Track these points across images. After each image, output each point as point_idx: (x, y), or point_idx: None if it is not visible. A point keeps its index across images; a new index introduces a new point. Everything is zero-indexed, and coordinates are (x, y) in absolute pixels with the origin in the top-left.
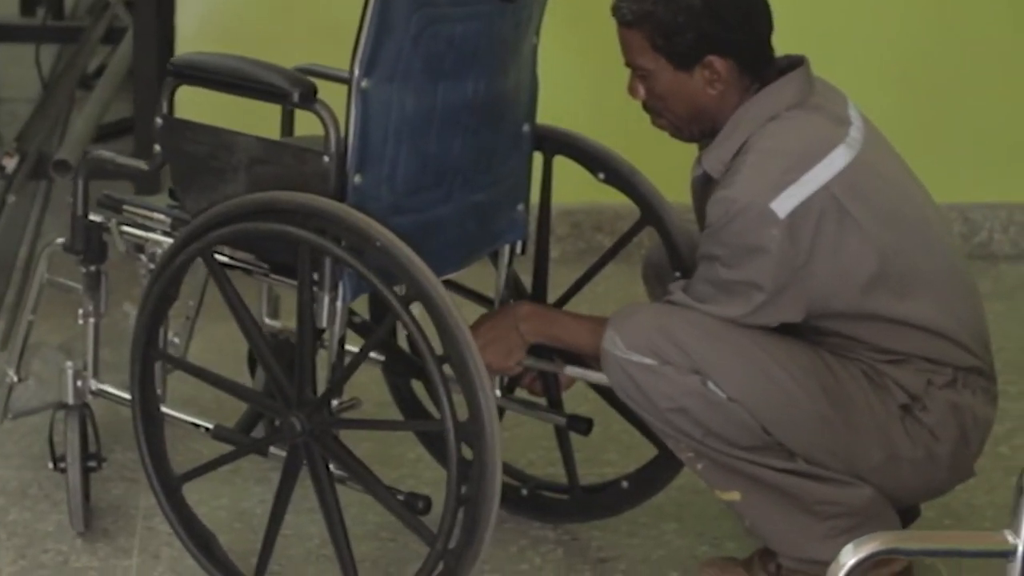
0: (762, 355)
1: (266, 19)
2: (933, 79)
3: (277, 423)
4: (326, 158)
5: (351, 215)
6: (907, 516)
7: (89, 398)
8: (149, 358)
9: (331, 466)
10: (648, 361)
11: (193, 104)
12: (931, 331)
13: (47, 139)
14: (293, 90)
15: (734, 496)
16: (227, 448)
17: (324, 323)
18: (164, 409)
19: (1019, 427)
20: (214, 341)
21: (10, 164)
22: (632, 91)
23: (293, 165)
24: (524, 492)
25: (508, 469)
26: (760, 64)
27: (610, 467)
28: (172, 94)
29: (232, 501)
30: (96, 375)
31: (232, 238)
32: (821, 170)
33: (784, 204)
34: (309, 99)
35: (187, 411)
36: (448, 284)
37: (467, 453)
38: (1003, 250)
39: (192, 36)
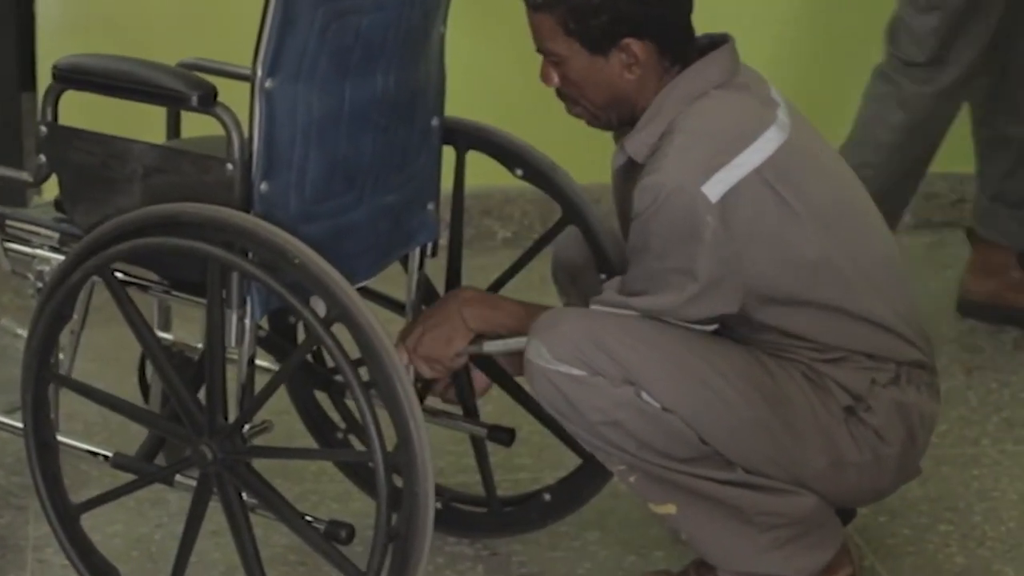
0: (697, 361)
1: (138, 6)
2: (832, 41)
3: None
4: (230, 166)
5: (266, 230)
6: (843, 516)
7: None
8: (43, 384)
9: (244, 495)
10: (577, 372)
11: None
12: (872, 323)
13: None
14: (191, 93)
15: (669, 509)
16: (118, 473)
17: (233, 342)
18: (60, 438)
19: (942, 410)
20: (98, 350)
21: None
22: (545, 78)
23: (193, 174)
24: (439, 506)
25: None
26: (680, 45)
27: (524, 472)
28: (57, 100)
29: (127, 527)
30: None
31: (132, 254)
32: (752, 153)
33: (715, 188)
34: (209, 102)
35: (74, 428)
36: (360, 290)
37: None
38: (904, 221)
39: (54, 28)
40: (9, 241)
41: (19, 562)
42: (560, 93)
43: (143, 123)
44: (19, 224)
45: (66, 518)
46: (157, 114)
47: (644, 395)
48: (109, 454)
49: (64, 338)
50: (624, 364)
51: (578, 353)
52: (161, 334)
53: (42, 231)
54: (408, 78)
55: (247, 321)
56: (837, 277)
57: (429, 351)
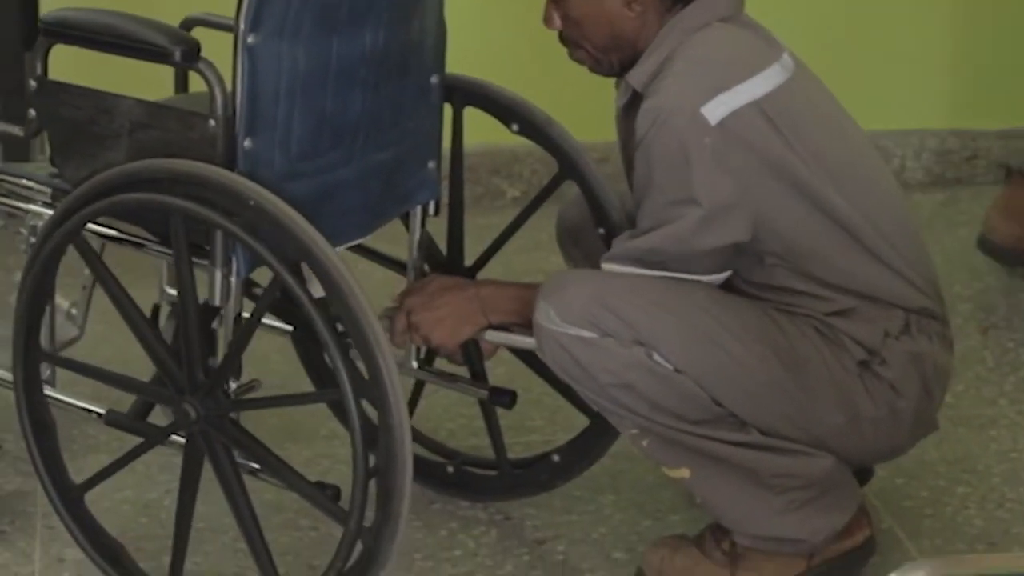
0: (708, 320)
1: None
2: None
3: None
4: (212, 122)
5: (220, 174)
6: (860, 476)
7: None
8: (32, 360)
9: (235, 454)
10: (587, 334)
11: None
12: (879, 263)
13: None
14: (174, 48)
15: (683, 473)
16: (126, 437)
17: (218, 300)
18: (51, 393)
19: (958, 370)
20: (110, 311)
21: None
22: (547, 20)
23: (178, 130)
24: (450, 469)
25: (432, 445)
26: None
27: (536, 434)
28: (46, 54)
29: (136, 493)
30: None
31: (108, 211)
32: (753, 85)
33: (715, 111)
34: (192, 58)
35: (82, 392)
36: (359, 249)
37: None
38: (916, 178)
39: None
40: (4, 196)
41: (28, 529)
42: (562, 37)
43: (156, 79)
44: (11, 179)
45: (68, 499)
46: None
47: (655, 356)
48: (102, 411)
49: (78, 295)
50: (634, 325)
51: (587, 315)
52: (169, 290)
53: (35, 186)
54: (400, 34)
55: (232, 280)
56: (842, 216)
57: (431, 335)
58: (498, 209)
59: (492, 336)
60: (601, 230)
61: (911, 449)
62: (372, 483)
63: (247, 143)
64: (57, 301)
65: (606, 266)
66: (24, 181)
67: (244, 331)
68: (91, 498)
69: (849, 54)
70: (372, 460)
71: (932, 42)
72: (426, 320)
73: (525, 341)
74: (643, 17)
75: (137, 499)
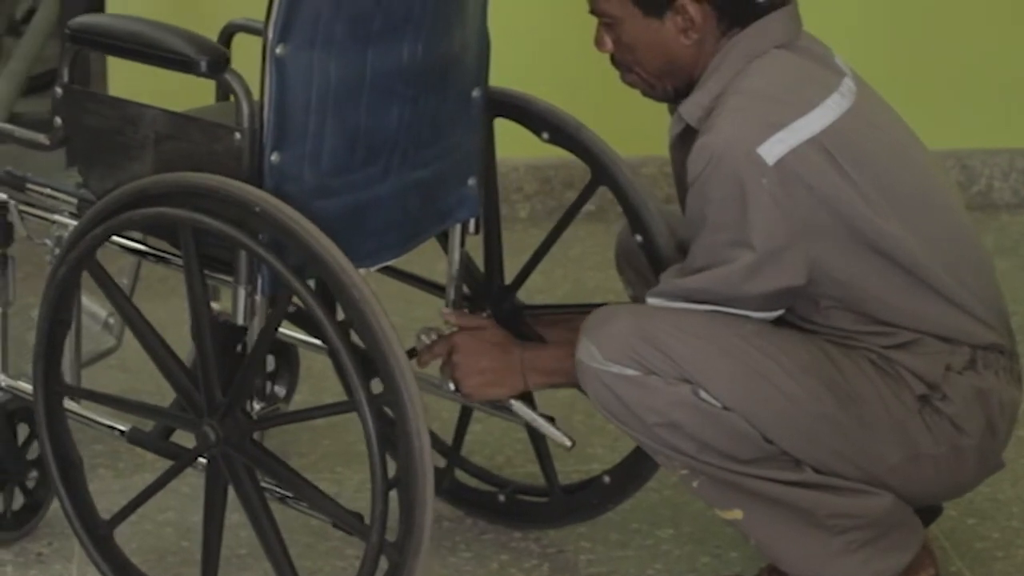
0: (758, 354)
1: None
2: (924, 14)
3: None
4: (238, 135)
5: (226, 184)
6: (927, 515)
7: None
8: (53, 389)
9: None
10: (630, 372)
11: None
12: (944, 300)
13: None
14: (200, 58)
15: (736, 515)
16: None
17: (241, 319)
18: (74, 408)
19: None
20: (155, 321)
21: None
22: (598, 43)
23: (203, 142)
24: (501, 498)
25: (483, 474)
26: (739, 7)
27: (596, 463)
28: (73, 60)
29: (179, 515)
30: (5, 370)
31: (121, 229)
32: (812, 119)
33: (772, 150)
34: (219, 68)
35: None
36: (392, 271)
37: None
38: (1004, 199)
39: None
40: (31, 205)
41: (66, 552)
42: (614, 60)
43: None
44: (38, 188)
45: (97, 536)
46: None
47: (702, 393)
48: (125, 429)
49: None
50: (680, 361)
51: (630, 352)
52: (215, 306)
53: (61, 196)
54: (441, 47)
55: (257, 297)
56: (903, 251)
57: (465, 381)
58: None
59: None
60: (638, 237)
61: (976, 488)
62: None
63: (274, 157)
64: (95, 310)
65: (652, 301)
66: (50, 191)
67: (256, 349)
68: (133, 519)
69: (935, 71)
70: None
71: (1022, 59)
72: (465, 365)
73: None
74: (699, 44)
75: (180, 522)
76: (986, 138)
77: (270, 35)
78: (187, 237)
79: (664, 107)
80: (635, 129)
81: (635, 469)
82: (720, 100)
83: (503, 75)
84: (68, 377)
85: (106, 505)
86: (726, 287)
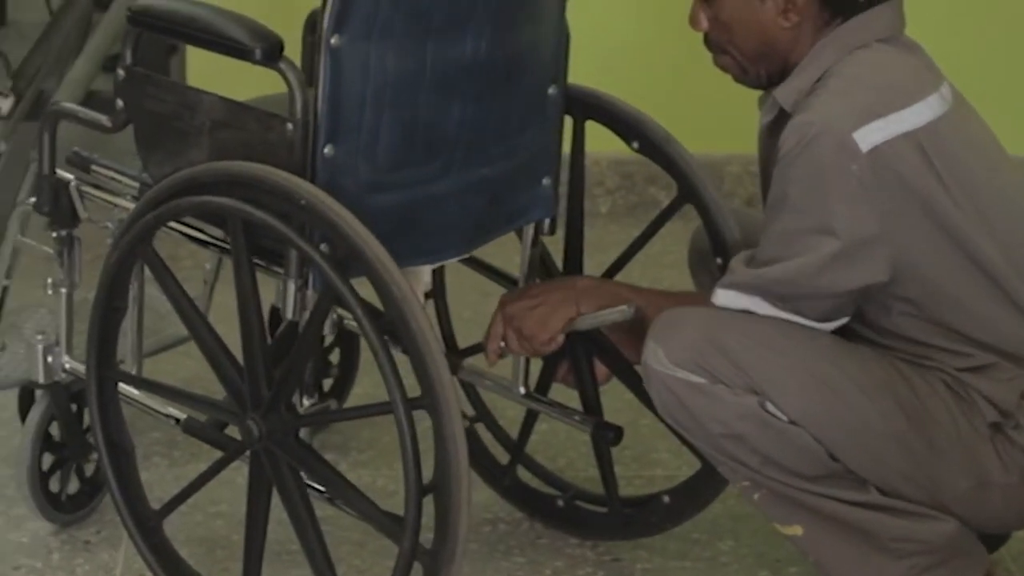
0: (829, 368)
1: None
2: (1013, 17)
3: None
4: (290, 125)
5: (273, 173)
6: (993, 542)
7: (62, 376)
8: (106, 374)
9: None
10: (696, 379)
11: None
12: (1022, 311)
13: (49, 74)
14: (255, 46)
15: (796, 531)
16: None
17: (291, 314)
18: (129, 391)
19: None
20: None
21: (4, 105)
22: (694, 21)
23: (257, 131)
24: (560, 503)
25: (545, 474)
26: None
27: (660, 467)
28: (136, 42)
29: (232, 507)
30: (70, 351)
31: (171, 217)
32: (911, 114)
33: (868, 137)
34: (273, 56)
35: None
36: (469, 260)
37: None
38: None
39: None
40: (99, 187)
41: (114, 540)
42: (707, 41)
43: None
44: (103, 171)
45: (145, 528)
46: None
47: (769, 406)
48: (180, 417)
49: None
50: (748, 371)
51: (698, 358)
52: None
53: (123, 179)
54: (508, 42)
55: (308, 292)
56: (986, 257)
57: (523, 325)
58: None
59: (582, 322)
60: (719, 260)
61: None
62: None
63: (327, 150)
64: None
65: (723, 292)
66: (113, 174)
67: (301, 345)
68: (184, 510)
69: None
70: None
71: None
72: (520, 314)
73: (614, 312)
74: (798, 29)
75: (232, 514)
76: None
77: (325, 25)
78: (236, 227)
79: (751, 102)
80: (721, 126)
81: (696, 491)
82: (819, 84)
83: (584, 70)
84: (130, 363)
85: (159, 495)
86: (805, 279)
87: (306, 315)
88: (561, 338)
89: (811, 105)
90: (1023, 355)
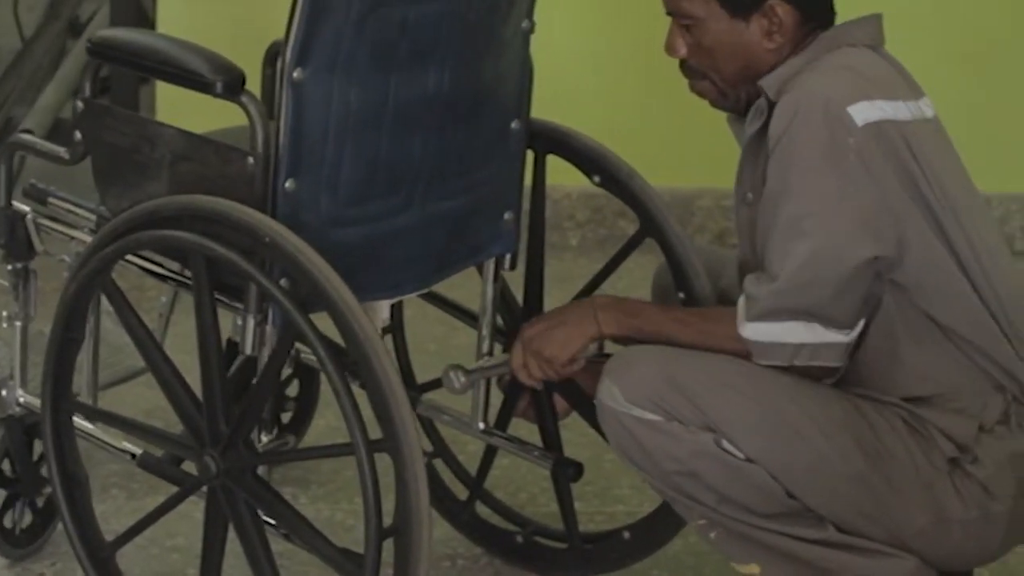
0: (787, 405)
1: None
2: (998, 58)
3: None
4: (251, 159)
5: (236, 209)
6: None
7: (16, 410)
8: (61, 406)
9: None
10: (651, 416)
11: None
12: (996, 320)
13: (20, 101)
14: (216, 79)
15: (753, 570)
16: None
17: (249, 349)
18: (85, 427)
19: None
20: (190, 339)
21: None
22: (671, 48)
23: (217, 165)
24: (519, 539)
25: (504, 510)
26: (823, 13)
27: (622, 504)
28: (96, 75)
29: (188, 541)
30: (24, 385)
31: (130, 250)
32: (899, 108)
33: (863, 112)
34: (235, 89)
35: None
36: (430, 297)
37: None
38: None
39: None
40: (53, 219)
41: (67, 573)
42: (684, 66)
43: None
44: (60, 203)
45: (98, 559)
46: None
47: (725, 443)
48: (137, 452)
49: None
50: (704, 408)
51: (653, 395)
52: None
53: (81, 212)
54: (470, 76)
55: (268, 328)
56: (964, 259)
57: (543, 348)
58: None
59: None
60: (681, 295)
61: (1004, 556)
62: None
63: (289, 184)
64: None
65: (752, 327)
66: (70, 206)
67: (261, 381)
68: (140, 543)
69: (1003, 112)
70: None
71: None
72: (539, 336)
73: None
74: (779, 50)
75: (189, 548)
76: None
77: (288, 58)
78: (198, 263)
79: (722, 136)
80: (692, 160)
81: (656, 527)
82: (806, 68)
83: (552, 105)
84: (85, 395)
85: (116, 527)
86: (821, 262)
87: (265, 351)
88: (583, 360)
89: (800, 84)
90: (990, 360)
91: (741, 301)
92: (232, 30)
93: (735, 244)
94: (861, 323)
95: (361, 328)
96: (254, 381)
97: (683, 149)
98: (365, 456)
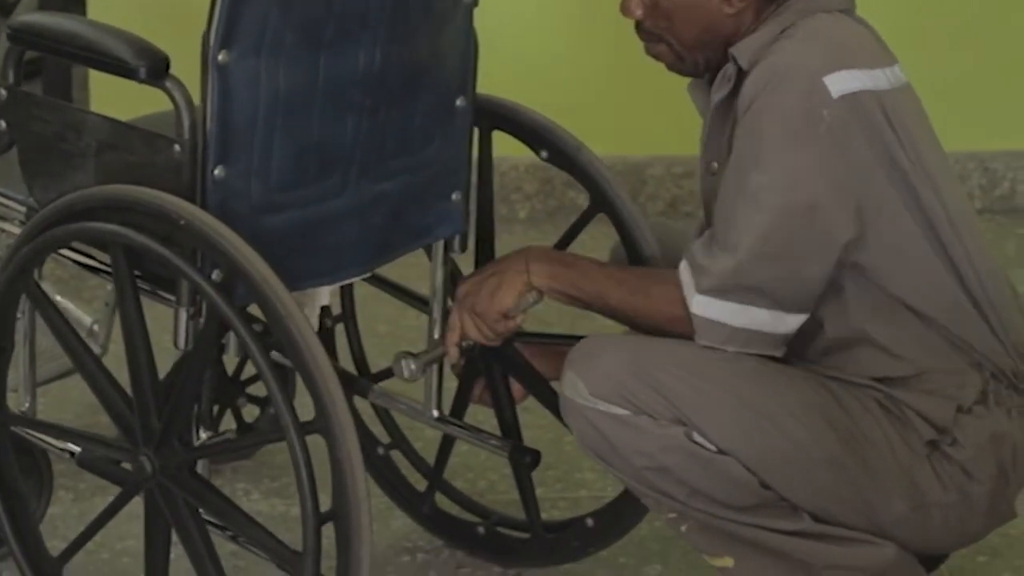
0: (757, 392)
1: None
2: (949, 14)
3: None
4: (177, 147)
5: (147, 194)
6: (931, 562)
7: None
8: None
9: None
10: (619, 411)
11: None
12: (971, 296)
13: None
14: (139, 64)
15: (726, 563)
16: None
17: (183, 343)
18: (24, 431)
19: None
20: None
21: None
22: (627, 9)
23: (144, 153)
24: (481, 531)
25: (464, 501)
26: None
27: (585, 489)
28: (19, 61)
29: (139, 543)
30: None
31: (53, 246)
32: (876, 76)
33: (838, 84)
34: (158, 75)
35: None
36: (378, 281)
37: None
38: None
39: None
40: None
41: None
42: (640, 29)
43: None
44: None
45: (46, 574)
46: None
47: (696, 436)
48: (77, 450)
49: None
50: (673, 400)
51: (620, 388)
52: None
53: (10, 204)
54: (403, 54)
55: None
56: (941, 233)
57: (476, 303)
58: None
59: (524, 302)
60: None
61: (984, 538)
62: None
63: (218, 171)
64: (79, 316)
65: (702, 300)
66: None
67: (188, 374)
68: (90, 548)
69: (954, 69)
70: None
71: None
72: (472, 291)
73: (527, 297)
74: (739, 16)
75: (139, 551)
76: (1010, 139)
77: (212, 41)
78: (117, 253)
79: (673, 103)
80: (641, 128)
81: (620, 514)
82: (781, 36)
83: (495, 78)
84: (23, 396)
85: (64, 532)
86: (777, 237)
87: (198, 346)
88: (521, 317)
89: (776, 51)
90: (965, 342)
91: (686, 269)
92: (168, 11)
93: (688, 213)
94: (809, 311)
95: (282, 304)
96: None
97: (633, 117)
98: (296, 439)
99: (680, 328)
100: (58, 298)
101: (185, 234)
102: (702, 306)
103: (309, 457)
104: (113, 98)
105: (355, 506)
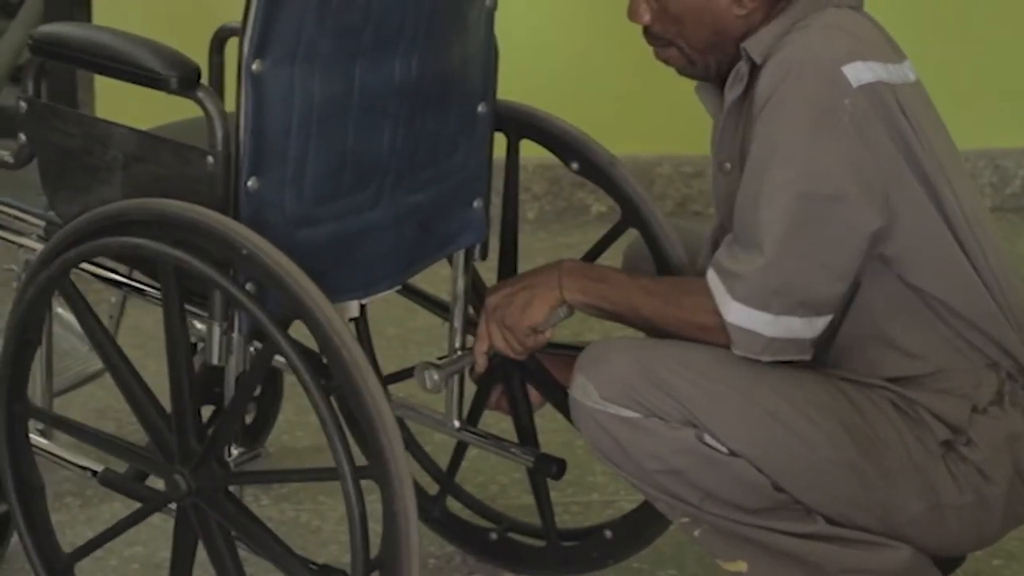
0: (770, 394)
1: None
2: (959, 12)
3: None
4: (211, 158)
5: (209, 217)
6: (948, 565)
7: None
8: (16, 412)
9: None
10: (629, 414)
11: None
12: (987, 289)
13: None
14: (170, 74)
15: (740, 567)
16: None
17: (216, 359)
18: (41, 443)
19: None
20: (144, 335)
21: None
22: (634, 14)
23: (175, 165)
24: (494, 536)
25: (476, 505)
26: None
27: (596, 492)
28: (39, 73)
29: (148, 550)
30: None
31: (94, 255)
32: (889, 70)
33: (857, 74)
34: (190, 85)
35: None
36: (402, 289)
37: None
38: None
39: None
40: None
41: None
42: (649, 34)
43: None
44: (5, 209)
45: (55, 571)
46: None
47: (708, 438)
48: (98, 469)
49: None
50: (684, 402)
51: (630, 391)
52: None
53: (28, 218)
54: (437, 62)
55: (235, 336)
56: (957, 228)
57: (505, 315)
58: (582, 225)
59: (556, 316)
60: None
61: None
62: None
63: (251, 183)
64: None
65: (740, 308)
66: (16, 212)
67: (236, 398)
68: (99, 554)
69: (967, 68)
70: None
71: None
72: (501, 303)
73: (558, 312)
74: (750, 18)
75: (148, 558)
76: (1021, 137)
77: (246, 50)
78: (167, 274)
79: (681, 103)
80: (651, 127)
81: (639, 526)
82: (794, 28)
83: (506, 75)
84: (40, 402)
85: (71, 538)
86: (803, 234)
87: (231, 359)
88: (550, 332)
89: (790, 43)
90: (984, 332)
91: (714, 277)
92: (173, 13)
93: (698, 212)
94: (836, 310)
95: (350, 354)
96: (228, 397)
97: (642, 116)
98: (352, 485)
99: (713, 337)
100: (59, 310)
101: (245, 262)
102: (738, 315)
103: (364, 507)
104: (121, 104)
105: (407, 559)
